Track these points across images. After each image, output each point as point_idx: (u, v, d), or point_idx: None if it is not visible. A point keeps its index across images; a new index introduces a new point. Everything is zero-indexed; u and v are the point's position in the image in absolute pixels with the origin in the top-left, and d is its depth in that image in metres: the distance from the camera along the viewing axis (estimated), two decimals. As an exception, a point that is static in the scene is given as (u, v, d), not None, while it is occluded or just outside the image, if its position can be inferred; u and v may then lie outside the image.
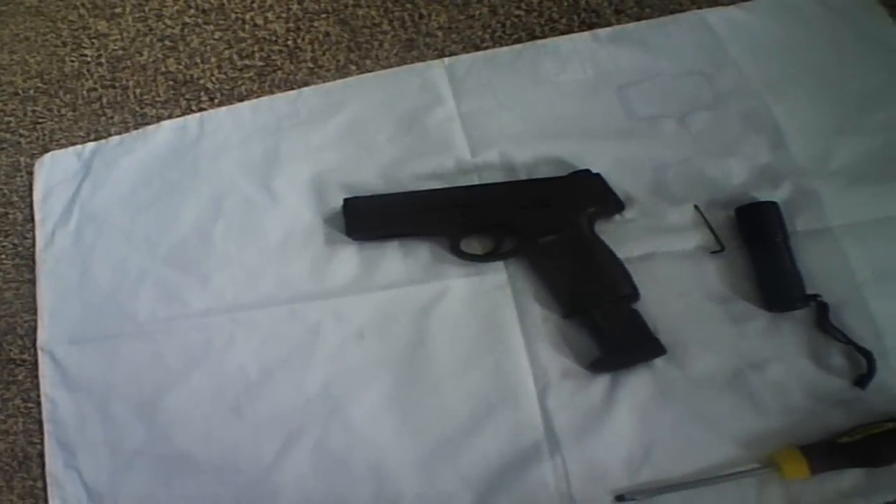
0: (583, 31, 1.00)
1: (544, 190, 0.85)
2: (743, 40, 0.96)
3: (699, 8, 0.99)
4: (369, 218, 0.87)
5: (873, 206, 0.83)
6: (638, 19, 1.00)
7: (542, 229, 0.82)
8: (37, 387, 0.92)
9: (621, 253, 0.82)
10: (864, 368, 0.74)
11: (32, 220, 1.02)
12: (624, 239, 0.83)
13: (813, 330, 0.77)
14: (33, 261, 0.99)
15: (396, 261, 0.88)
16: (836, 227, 0.82)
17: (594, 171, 0.85)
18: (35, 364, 0.93)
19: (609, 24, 1.00)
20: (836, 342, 0.76)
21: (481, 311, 0.83)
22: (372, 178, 0.93)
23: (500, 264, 0.84)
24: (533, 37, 1.01)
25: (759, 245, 0.81)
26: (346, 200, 0.88)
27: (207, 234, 0.94)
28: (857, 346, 0.74)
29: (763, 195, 0.84)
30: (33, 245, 1.00)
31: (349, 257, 0.89)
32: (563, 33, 1.01)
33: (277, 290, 0.89)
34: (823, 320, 0.76)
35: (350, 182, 0.93)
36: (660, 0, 1.01)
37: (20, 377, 0.93)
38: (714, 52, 0.95)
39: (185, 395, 0.86)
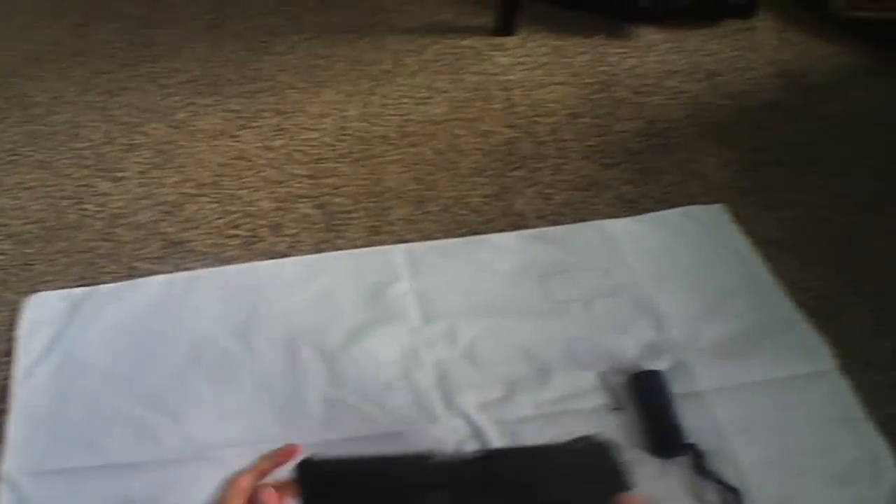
0: (512, 230, 1.20)
1: (550, 465, 0.69)
2: (634, 245, 1.17)
3: (601, 218, 1.22)
4: (332, 491, 0.68)
5: (733, 375, 1.00)
6: (554, 224, 1.22)
7: None
8: (-8, 515, 0.91)
9: (540, 408, 0.96)
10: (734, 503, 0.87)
11: (10, 353, 1.05)
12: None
13: (693, 473, 0.90)
14: (5, 392, 1.01)
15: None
16: (705, 391, 0.98)
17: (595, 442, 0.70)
18: (-5, 492, 0.93)
19: (533, 227, 1.21)
20: (712, 482, 0.88)
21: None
22: (339, 339, 1.05)
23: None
24: (475, 232, 1.21)
25: (648, 404, 0.95)
26: (302, 464, 0.67)
27: (186, 379, 1.01)
28: (727, 486, 0.88)
29: (650, 365, 1.00)
30: (7, 377, 1.03)
31: (315, 407, 0.98)
32: (497, 231, 1.21)
33: (247, 435, 0.95)
34: (700, 465, 0.89)
35: (320, 342, 1.04)
36: (571, 209, 1.24)
37: (-24, 504, 0.93)
38: (611, 253, 1.16)
39: (148, 533, 0.87)
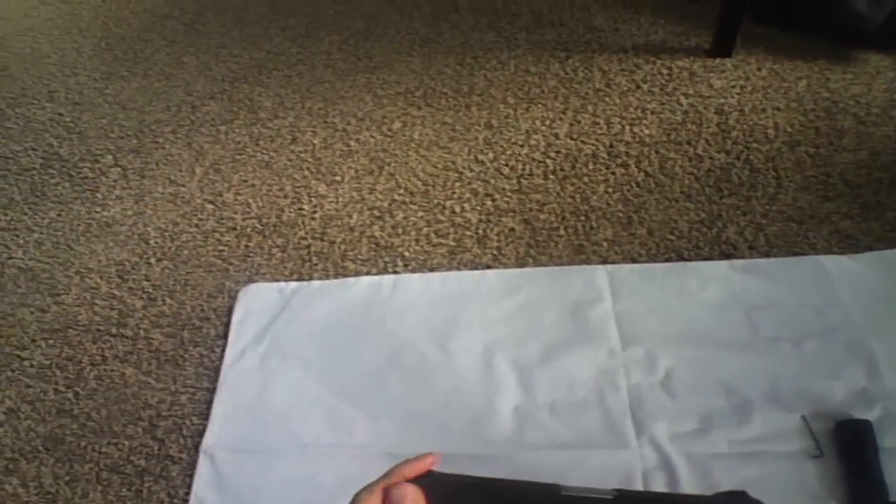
0: (721, 259, 1.21)
1: None
2: (851, 284, 1.14)
3: (817, 254, 1.20)
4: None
5: (949, 434, 0.96)
6: (767, 256, 1.21)
7: None
8: (186, 485, 1.02)
9: (735, 446, 0.96)
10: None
11: (224, 337, 1.18)
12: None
13: (893, 534, 0.89)
14: (215, 372, 1.14)
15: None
16: (918, 449, 0.94)
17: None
18: (190, 464, 1.04)
19: (743, 257, 1.21)
20: (909, 547, 0.88)
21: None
22: (535, 354, 1.10)
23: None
24: (681, 258, 1.22)
25: (853, 455, 0.94)
26: (428, 477, 0.71)
27: (383, 378, 1.10)
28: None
29: (859, 413, 0.98)
30: (219, 359, 1.15)
31: (505, 419, 1.03)
32: (705, 259, 1.22)
33: (436, 438, 1.02)
34: (902, 527, 0.89)
35: (516, 355, 1.10)
36: (785, 242, 1.23)
37: (173, 474, 1.04)
38: (826, 291, 1.14)
39: (333, 518, 0.96)
